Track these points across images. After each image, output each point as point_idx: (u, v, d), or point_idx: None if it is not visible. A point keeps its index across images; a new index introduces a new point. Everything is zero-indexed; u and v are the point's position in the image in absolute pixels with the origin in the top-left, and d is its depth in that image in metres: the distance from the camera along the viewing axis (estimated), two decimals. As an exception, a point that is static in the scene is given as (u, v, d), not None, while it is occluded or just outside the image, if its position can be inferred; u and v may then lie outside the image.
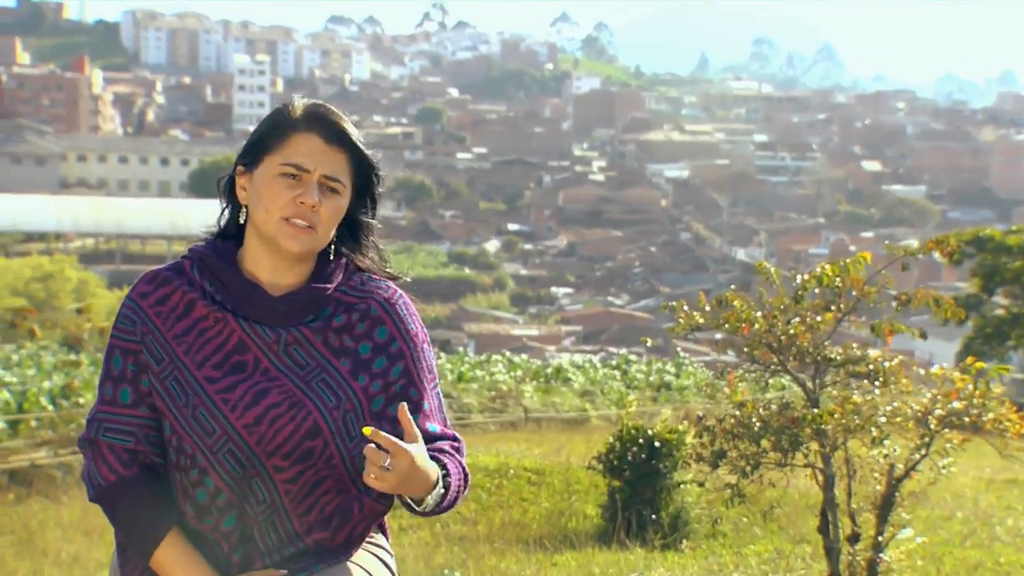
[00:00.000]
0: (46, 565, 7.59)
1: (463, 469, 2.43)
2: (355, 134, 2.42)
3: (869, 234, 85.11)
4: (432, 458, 2.32)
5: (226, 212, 2.47)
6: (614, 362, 32.18)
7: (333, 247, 2.45)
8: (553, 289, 79.17)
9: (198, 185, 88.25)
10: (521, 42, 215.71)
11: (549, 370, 27.75)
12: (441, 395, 2.52)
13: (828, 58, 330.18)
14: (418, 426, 2.34)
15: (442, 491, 2.32)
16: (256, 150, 2.40)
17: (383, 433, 2.17)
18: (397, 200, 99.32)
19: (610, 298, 76.03)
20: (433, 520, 8.61)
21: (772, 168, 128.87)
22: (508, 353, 35.37)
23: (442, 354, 33.02)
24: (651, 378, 27.22)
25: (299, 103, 2.42)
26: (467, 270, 79.54)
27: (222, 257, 2.41)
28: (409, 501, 2.30)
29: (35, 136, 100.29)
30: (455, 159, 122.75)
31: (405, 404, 2.24)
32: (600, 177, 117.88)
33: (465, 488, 2.43)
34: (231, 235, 2.46)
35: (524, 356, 34.82)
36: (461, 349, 40.20)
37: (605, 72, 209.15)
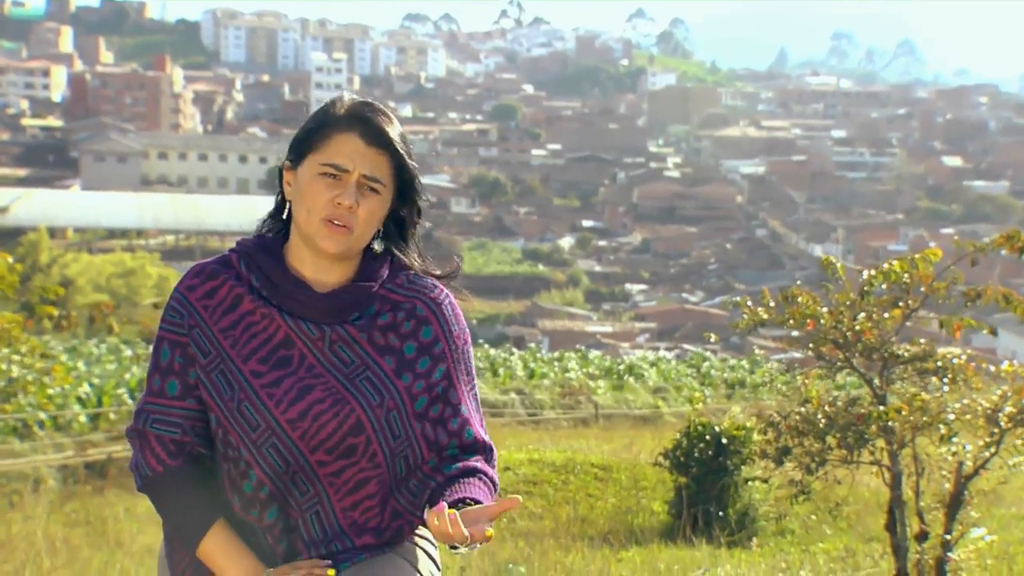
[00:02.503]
0: (119, 556, 7.71)
1: (493, 481, 2.44)
2: (396, 137, 2.41)
3: (950, 230, 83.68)
4: (469, 483, 2.37)
5: (276, 203, 2.51)
6: (689, 359, 32.05)
7: (380, 244, 2.47)
8: (627, 286, 78.90)
9: (276, 182, 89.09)
10: (596, 38, 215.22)
11: (622, 367, 27.69)
12: (478, 396, 2.54)
13: (909, 52, 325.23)
14: (456, 431, 2.43)
15: (479, 547, 2.30)
16: (301, 148, 2.42)
17: (461, 526, 2.18)
18: (471, 197, 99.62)
19: (685, 295, 75.62)
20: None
21: (850, 164, 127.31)
22: (582, 349, 35.34)
23: (515, 350, 33.07)
24: (726, 375, 27.06)
25: (347, 100, 2.43)
26: (541, 267, 79.53)
27: (268, 252, 2.44)
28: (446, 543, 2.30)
29: (117, 134, 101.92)
30: (530, 155, 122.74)
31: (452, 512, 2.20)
32: (675, 173, 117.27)
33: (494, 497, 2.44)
34: (279, 228, 2.49)
35: (598, 353, 34.78)
36: (533, 345, 40.20)
37: (681, 68, 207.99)
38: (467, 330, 2.52)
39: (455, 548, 2.25)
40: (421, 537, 2.53)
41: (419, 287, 2.48)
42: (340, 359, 2.40)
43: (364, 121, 2.39)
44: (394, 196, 2.44)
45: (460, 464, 2.41)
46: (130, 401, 17.40)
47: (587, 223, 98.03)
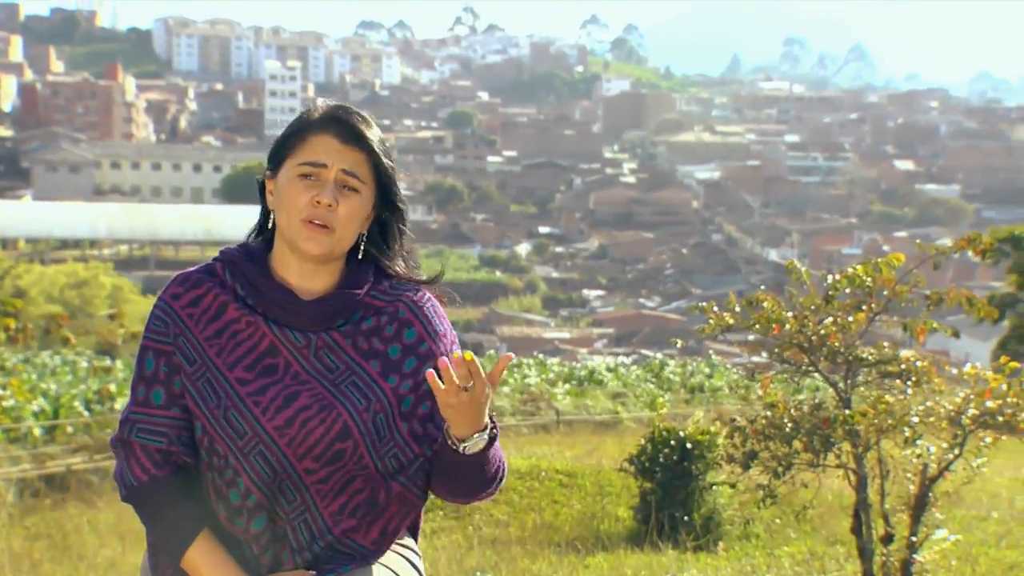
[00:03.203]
0: (82, 569, 7.64)
1: (500, 455, 2.44)
2: (373, 137, 2.41)
3: (903, 234, 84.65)
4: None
5: (260, 215, 2.51)
6: (647, 364, 32.12)
7: (362, 250, 2.47)
8: (584, 291, 79.11)
9: (230, 191, 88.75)
10: (551, 45, 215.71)
11: (582, 372, 27.72)
12: None
13: (860, 58, 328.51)
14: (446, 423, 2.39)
15: (486, 439, 2.33)
16: (279, 154, 2.42)
17: (477, 361, 2.24)
18: (428, 204, 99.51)
19: (642, 300, 75.93)
20: (465, 523, 8.63)
21: (804, 168, 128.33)
22: (540, 356, 35.35)
23: (474, 357, 33.00)
24: (684, 380, 27.16)
25: (321, 105, 2.43)
26: (498, 273, 79.59)
27: (253, 261, 2.43)
28: (454, 440, 2.31)
29: (69, 144, 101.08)
30: (486, 162, 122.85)
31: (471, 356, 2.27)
32: (631, 179, 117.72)
33: (503, 472, 2.44)
34: (265, 239, 2.49)
35: (556, 359, 34.81)
36: (492, 352, 40.18)
37: (635, 74, 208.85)
38: (452, 331, 2.52)
39: (464, 443, 2.30)
40: (404, 547, 2.53)
41: (400, 291, 2.48)
42: (325, 365, 2.39)
43: (338, 121, 2.39)
44: (376, 200, 2.44)
45: None
46: (86, 413, 17.24)
47: (544, 229, 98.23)
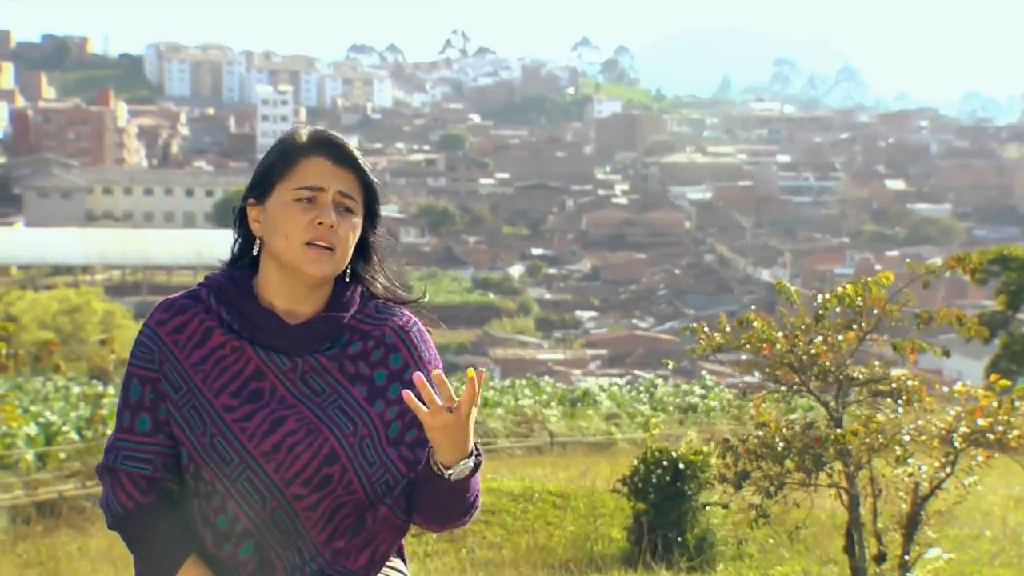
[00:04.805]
0: (74, 596, 7.60)
1: (478, 484, 2.43)
2: (360, 156, 2.45)
3: (894, 253, 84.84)
4: None
5: (238, 243, 2.50)
6: (641, 385, 32.10)
7: (349, 272, 2.48)
8: (578, 313, 79.10)
9: (223, 215, 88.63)
10: (542, 67, 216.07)
11: (576, 394, 27.70)
12: None
13: (850, 78, 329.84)
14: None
15: (471, 466, 2.32)
16: (266, 181, 2.43)
17: (450, 386, 2.24)
18: (421, 227, 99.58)
19: (635, 321, 75.93)
20: (459, 545, 8.62)
21: (795, 188, 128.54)
22: (534, 377, 35.31)
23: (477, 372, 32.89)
24: (677, 400, 27.15)
25: (304, 130, 2.45)
26: (491, 295, 79.58)
27: (239, 286, 2.44)
28: (439, 466, 2.30)
29: (61, 170, 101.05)
30: (478, 185, 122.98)
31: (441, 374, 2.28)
32: (623, 200, 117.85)
33: (479, 501, 2.44)
34: (246, 264, 2.49)
35: (550, 380, 34.77)
36: (486, 374, 40.21)
37: (626, 95, 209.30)
38: (438, 356, 2.53)
39: (449, 470, 2.29)
40: (394, 569, 2.53)
41: (387, 315, 2.49)
42: (312, 389, 2.40)
43: (329, 144, 2.42)
44: (364, 220, 2.46)
45: None
46: (77, 438, 17.18)
47: (537, 251, 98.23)
